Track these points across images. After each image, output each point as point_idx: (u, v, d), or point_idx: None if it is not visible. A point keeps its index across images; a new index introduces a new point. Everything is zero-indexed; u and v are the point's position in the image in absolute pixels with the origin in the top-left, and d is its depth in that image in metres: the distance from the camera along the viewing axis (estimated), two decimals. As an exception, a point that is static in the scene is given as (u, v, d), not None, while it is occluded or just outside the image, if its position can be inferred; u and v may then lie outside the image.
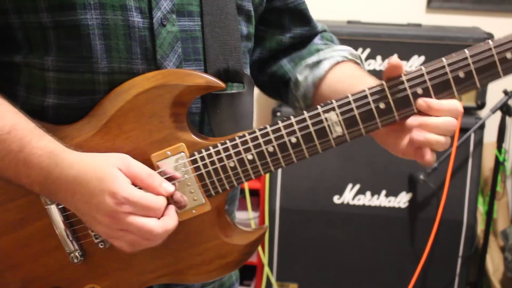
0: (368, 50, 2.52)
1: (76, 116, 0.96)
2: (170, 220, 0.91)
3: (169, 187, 0.91)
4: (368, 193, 2.56)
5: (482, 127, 2.49)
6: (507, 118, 2.51)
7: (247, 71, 1.10)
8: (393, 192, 2.55)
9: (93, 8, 0.91)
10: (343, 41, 1.11)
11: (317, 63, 1.13)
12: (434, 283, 2.57)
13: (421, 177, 2.45)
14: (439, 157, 2.44)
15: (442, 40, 2.49)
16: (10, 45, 0.96)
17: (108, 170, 0.88)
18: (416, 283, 2.52)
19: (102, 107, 0.95)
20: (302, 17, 1.19)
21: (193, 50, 0.99)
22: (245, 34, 1.07)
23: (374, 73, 2.50)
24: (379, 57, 2.52)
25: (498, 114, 2.50)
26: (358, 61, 1.14)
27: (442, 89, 0.91)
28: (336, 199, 2.57)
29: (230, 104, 1.03)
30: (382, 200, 2.55)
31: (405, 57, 2.50)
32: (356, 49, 2.46)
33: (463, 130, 2.46)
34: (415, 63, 2.49)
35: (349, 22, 2.69)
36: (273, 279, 2.64)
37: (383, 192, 2.55)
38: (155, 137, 0.94)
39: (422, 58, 2.49)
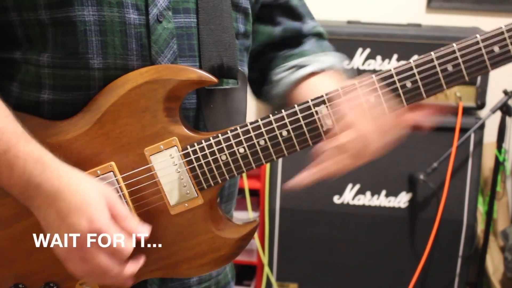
0: (368, 50, 2.51)
1: (71, 111, 0.96)
2: (130, 268, 0.92)
3: (143, 232, 0.91)
4: (368, 193, 2.55)
5: (482, 127, 2.48)
6: (507, 118, 2.51)
7: (244, 68, 1.10)
8: (393, 192, 2.54)
9: (90, 5, 0.92)
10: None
11: (300, 67, 1.13)
12: (434, 283, 2.56)
13: (421, 177, 2.45)
14: (439, 157, 2.44)
15: (442, 40, 2.48)
16: (11, 42, 0.96)
17: (95, 197, 0.88)
18: (416, 283, 2.52)
19: (96, 102, 0.96)
20: (293, 12, 1.19)
21: (188, 46, 1.00)
22: (242, 31, 1.08)
23: (374, 73, 2.51)
24: (379, 57, 2.52)
25: (498, 114, 2.49)
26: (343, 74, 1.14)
27: (431, 82, 0.92)
28: (336, 199, 2.57)
29: (224, 99, 1.03)
30: (382, 200, 2.55)
31: (405, 57, 2.49)
32: (356, 49, 2.49)
33: (463, 130, 2.45)
34: (415, 63, 2.48)
35: (349, 22, 2.69)
36: (273, 279, 2.64)
37: (383, 192, 2.55)
38: (148, 131, 0.95)
39: (422, 58, 2.48)
